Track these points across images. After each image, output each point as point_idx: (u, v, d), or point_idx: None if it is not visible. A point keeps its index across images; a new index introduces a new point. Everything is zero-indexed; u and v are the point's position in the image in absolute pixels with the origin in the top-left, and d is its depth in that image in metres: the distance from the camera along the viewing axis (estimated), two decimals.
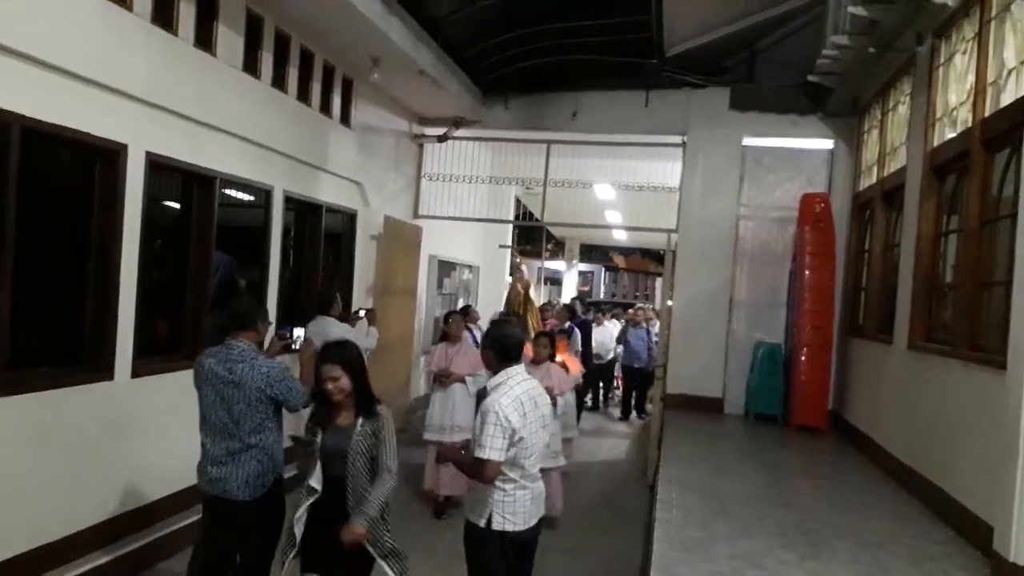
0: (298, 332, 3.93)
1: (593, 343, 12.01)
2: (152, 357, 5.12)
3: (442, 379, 6.75)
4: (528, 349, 7.64)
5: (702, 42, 8.28)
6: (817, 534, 4.63)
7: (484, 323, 8.51)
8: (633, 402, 12.76)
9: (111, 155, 4.60)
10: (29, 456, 4.15)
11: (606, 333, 13.19)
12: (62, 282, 4.62)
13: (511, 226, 15.03)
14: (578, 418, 9.11)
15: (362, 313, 7.30)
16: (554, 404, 5.21)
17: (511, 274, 8.50)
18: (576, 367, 7.88)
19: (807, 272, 8.02)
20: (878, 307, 7.34)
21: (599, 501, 7.61)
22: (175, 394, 5.36)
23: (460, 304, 11.42)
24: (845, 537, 4.60)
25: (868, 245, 7.96)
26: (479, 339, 8.62)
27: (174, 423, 5.39)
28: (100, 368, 4.65)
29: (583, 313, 12.39)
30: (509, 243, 8.83)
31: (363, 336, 6.75)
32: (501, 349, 3.48)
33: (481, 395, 6.21)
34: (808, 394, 7.93)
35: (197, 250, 5.61)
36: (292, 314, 7.06)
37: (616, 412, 13.03)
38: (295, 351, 3.86)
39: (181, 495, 5.35)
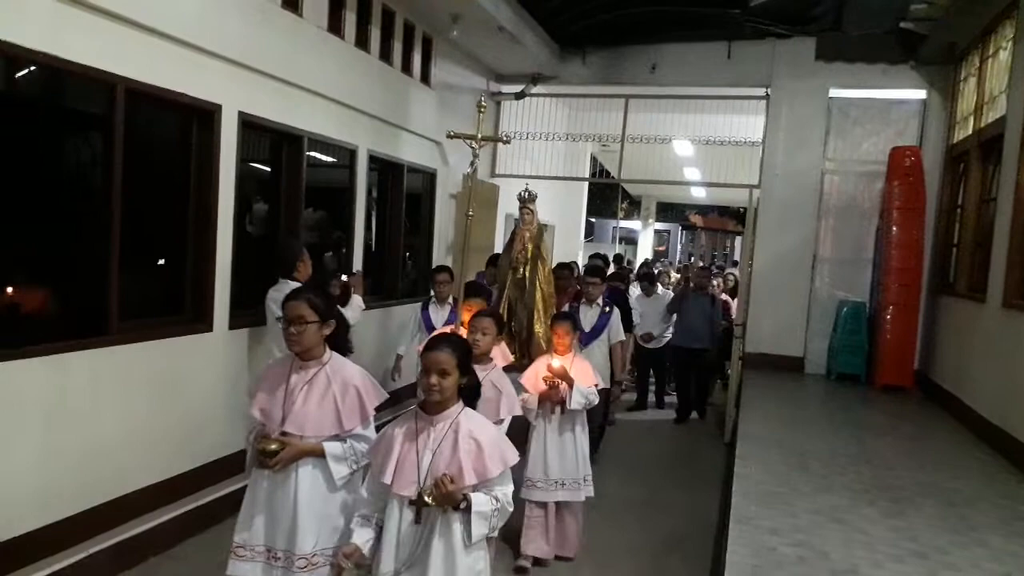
0: None
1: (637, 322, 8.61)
2: (245, 310, 5.32)
3: (263, 454, 2.96)
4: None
5: None
6: (901, 492, 4.58)
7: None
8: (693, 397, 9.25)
9: (207, 115, 4.80)
10: (132, 403, 4.35)
11: (659, 305, 9.40)
12: (165, 238, 4.86)
13: (586, 184, 14.99)
14: (594, 455, 5.56)
15: (344, 277, 5.89)
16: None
17: (523, 207, 6.09)
18: (590, 377, 4.70)
19: (895, 228, 7.80)
20: (970, 264, 7.08)
21: (675, 459, 7.65)
22: (269, 347, 5.62)
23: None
24: (930, 495, 4.53)
25: (961, 200, 7.65)
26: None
27: None
28: (201, 319, 4.90)
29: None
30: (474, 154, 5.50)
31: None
32: None
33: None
34: (894, 353, 7.76)
35: (287, 208, 5.81)
36: (378, 278, 7.27)
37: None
38: None
39: None
